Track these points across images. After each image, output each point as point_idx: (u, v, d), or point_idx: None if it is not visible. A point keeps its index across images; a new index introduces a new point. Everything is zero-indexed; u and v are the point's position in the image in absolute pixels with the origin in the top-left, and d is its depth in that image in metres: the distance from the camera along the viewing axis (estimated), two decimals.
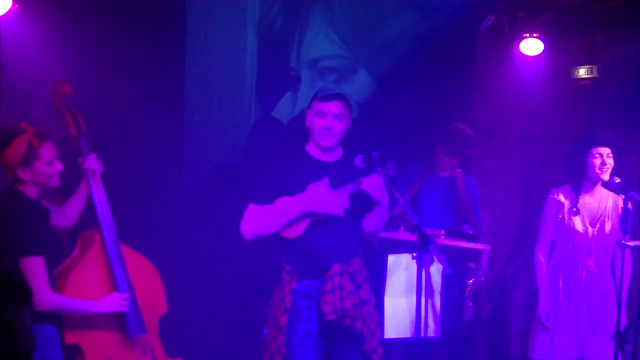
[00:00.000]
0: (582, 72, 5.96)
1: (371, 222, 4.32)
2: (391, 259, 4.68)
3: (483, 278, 5.32)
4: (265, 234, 4.21)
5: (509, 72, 6.05)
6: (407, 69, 6.22)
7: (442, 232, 5.16)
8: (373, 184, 4.10)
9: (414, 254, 3.98)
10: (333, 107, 4.20)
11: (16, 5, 4.89)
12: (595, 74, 5.92)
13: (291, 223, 4.17)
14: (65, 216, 4.23)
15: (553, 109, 6.15)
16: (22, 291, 2.15)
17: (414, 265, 4.01)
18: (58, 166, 3.95)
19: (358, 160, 4.14)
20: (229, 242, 5.72)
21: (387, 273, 4.65)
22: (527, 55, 5.90)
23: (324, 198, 4.14)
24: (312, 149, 4.29)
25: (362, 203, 4.22)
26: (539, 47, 5.86)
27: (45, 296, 3.83)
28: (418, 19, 6.22)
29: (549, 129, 6.17)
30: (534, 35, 5.84)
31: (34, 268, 3.82)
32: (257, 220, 4.18)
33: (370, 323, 4.19)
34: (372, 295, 4.29)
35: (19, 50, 4.97)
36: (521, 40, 5.87)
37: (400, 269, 4.70)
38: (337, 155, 4.30)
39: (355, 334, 4.14)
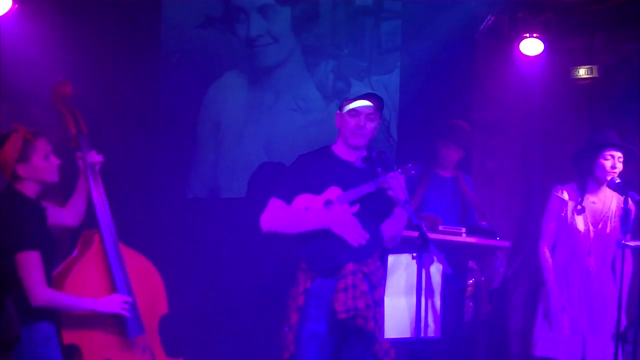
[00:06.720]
0: (582, 72, 5.96)
1: (390, 226, 4.30)
2: (391, 259, 4.67)
3: (483, 278, 5.33)
4: (280, 233, 4.25)
5: (509, 72, 6.05)
6: (406, 69, 6.22)
7: (463, 230, 5.18)
8: (395, 184, 4.07)
9: (414, 254, 3.98)
10: (366, 107, 4.22)
11: (16, 5, 4.89)
12: (595, 74, 5.92)
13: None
14: (70, 215, 4.23)
15: (553, 109, 6.14)
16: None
17: (414, 265, 4.01)
18: (55, 160, 3.98)
19: (358, 160, 4.14)
20: (231, 243, 5.72)
21: (387, 273, 4.65)
22: (527, 55, 5.90)
23: (346, 224, 4.16)
24: (338, 149, 4.30)
25: (379, 203, 4.21)
26: (539, 47, 5.86)
27: (40, 291, 3.82)
28: (417, 19, 6.21)
29: (549, 129, 6.17)
30: (534, 35, 5.84)
31: (30, 262, 3.81)
32: (277, 218, 4.21)
33: (383, 325, 4.18)
34: None
35: (19, 50, 4.97)
36: (521, 40, 5.87)
37: (400, 269, 4.70)
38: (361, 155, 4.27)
39: (367, 334, 4.15)
